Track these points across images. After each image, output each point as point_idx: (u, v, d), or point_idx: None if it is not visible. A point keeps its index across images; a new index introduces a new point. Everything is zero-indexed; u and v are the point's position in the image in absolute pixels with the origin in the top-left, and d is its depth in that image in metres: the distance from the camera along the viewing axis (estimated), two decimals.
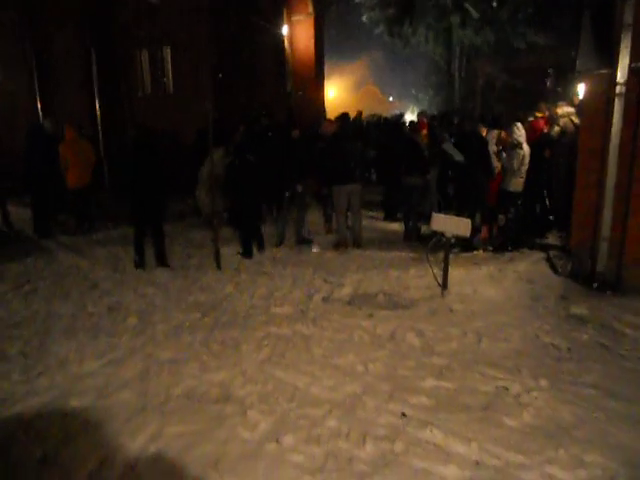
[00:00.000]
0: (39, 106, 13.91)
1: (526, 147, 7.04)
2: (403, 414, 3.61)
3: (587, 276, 6.06)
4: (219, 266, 6.91)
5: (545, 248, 7.31)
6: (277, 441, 3.32)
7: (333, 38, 29.64)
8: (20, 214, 9.89)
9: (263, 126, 9.38)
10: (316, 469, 3.08)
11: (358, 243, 7.99)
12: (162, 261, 7.05)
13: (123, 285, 6.35)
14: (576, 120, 7.29)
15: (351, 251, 7.78)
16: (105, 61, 13.50)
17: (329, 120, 9.17)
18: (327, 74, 30.11)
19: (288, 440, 3.33)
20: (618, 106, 5.67)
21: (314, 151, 8.10)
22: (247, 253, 7.47)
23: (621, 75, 5.61)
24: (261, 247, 7.71)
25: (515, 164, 6.98)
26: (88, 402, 3.77)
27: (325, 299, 5.83)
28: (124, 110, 13.36)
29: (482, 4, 16.93)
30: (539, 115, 8.27)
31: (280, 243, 8.16)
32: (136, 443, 3.31)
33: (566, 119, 7.40)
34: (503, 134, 7.43)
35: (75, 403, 3.75)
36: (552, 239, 7.81)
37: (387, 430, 3.43)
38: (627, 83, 5.58)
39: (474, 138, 7.21)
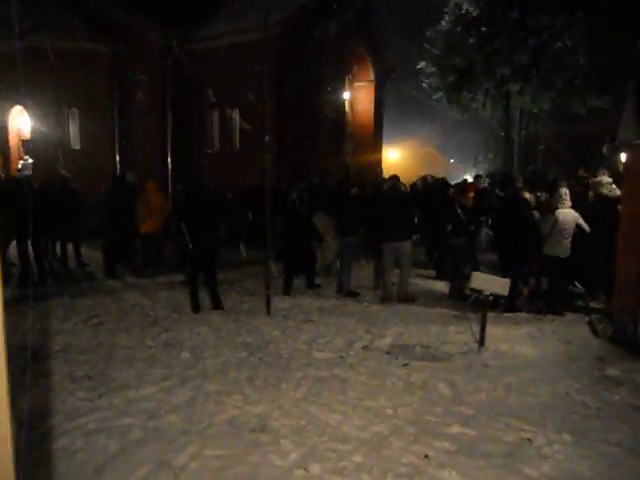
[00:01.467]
0: (117, 159, 15.30)
1: (564, 212, 7.20)
2: (426, 456, 3.82)
3: (627, 340, 6.08)
4: (269, 312, 7.36)
5: (588, 311, 7.34)
6: (305, 469, 3.62)
7: (397, 103, 30.78)
8: (91, 255, 10.81)
9: (313, 185, 10.01)
10: None
11: (404, 298, 8.27)
12: (216, 304, 7.58)
13: (180, 324, 6.91)
14: (607, 189, 7.44)
15: (395, 305, 8.06)
16: (179, 120, 14.76)
17: (392, 177, 9.74)
18: (390, 138, 31.19)
19: (315, 469, 3.62)
20: None
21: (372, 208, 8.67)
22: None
23: None
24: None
25: (546, 228, 7.17)
26: (141, 422, 4.21)
27: (365, 348, 6.13)
28: (193, 165, 14.44)
29: (539, 73, 17.29)
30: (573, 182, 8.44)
31: (338, 291, 8.70)
32: (179, 460, 3.70)
33: (602, 187, 7.57)
34: (542, 198, 7.66)
35: (130, 421, 4.20)
36: (596, 303, 7.82)
37: (408, 469, 3.66)
38: None
39: (515, 202, 7.48)
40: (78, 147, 15.72)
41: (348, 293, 8.59)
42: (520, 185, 8.13)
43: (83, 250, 10.75)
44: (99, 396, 4.68)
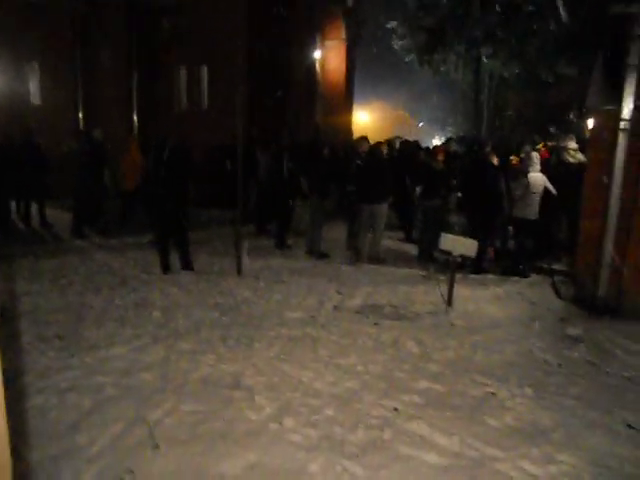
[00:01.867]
0: (80, 116, 14.80)
1: (534, 175, 7.35)
2: (395, 409, 3.97)
3: (588, 300, 6.34)
4: (239, 272, 7.37)
5: (551, 273, 7.59)
6: (279, 423, 3.71)
7: (367, 64, 30.39)
8: (54, 215, 10.56)
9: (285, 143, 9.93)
10: (311, 447, 3.46)
11: (375, 259, 8.39)
12: (186, 265, 7.54)
13: (149, 284, 6.86)
14: (571, 154, 7.62)
15: (366, 266, 8.17)
16: (145, 78, 14.31)
17: (364, 138, 9.69)
18: (361, 100, 30.89)
19: (289, 423, 3.72)
20: (622, 141, 6.00)
21: (351, 168, 8.71)
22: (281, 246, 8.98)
23: (626, 112, 5.94)
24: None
25: (518, 192, 7.31)
26: (114, 380, 4.23)
27: (336, 307, 6.23)
28: (160, 124, 14.08)
29: (511, 37, 17.33)
30: (539, 147, 8.60)
31: (308, 252, 8.78)
32: (154, 415, 3.74)
33: (565, 153, 7.75)
34: (515, 162, 7.80)
35: (103, 379, 4.21)
36: (559, 265, 8.09)
37: (379, 421, 3.79)
38: (631, 119, 5.91)
39: (483, 165, 7.60)
40: (39, 102, 15.14)
41: (319, 255, 8.65)
42: (489, 149, 8.24)
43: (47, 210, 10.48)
44: (71, 355, 4.65)
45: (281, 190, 9.08)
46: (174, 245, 7.60)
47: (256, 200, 10.27)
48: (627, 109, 5.92)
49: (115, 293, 6.47)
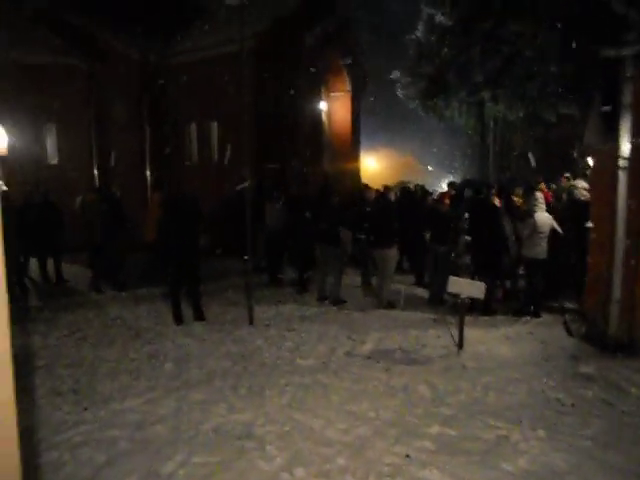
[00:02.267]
0: (96, 173, 15.29)
1: (540, 215, 7.42)
2: (407, 455, 3.95)
3: (600, 338, 6.29)
4: (252, 322, 7.43)
5: (563, 311, 7.56)
6: (290, 473, 3.72)
7: (374, 112, 31.14)
8: (69, 270, 10.77)
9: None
10: None
11: (388, 304, 8.43)
12: (199, 315, 7.64)
13: (163, 336, 6.95)
14: (582, 193, 7.72)
15: (377, 311, 8.20)
16: (157, 134, 14.82)
17: (369, 187, 9.94)
18: (369, 147, 31.48)
19: (300, 473, 3.72)
20: (622, 178, 6.09)
21: (360, 215, 8.92)
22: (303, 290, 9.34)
23: (623, 150, 6.06)
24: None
25: (526, 232, 7.38)
26: (127, 433, 4.27)
27: (347, 354, 6.24)
28: (172, 178, 14.48)
29: (511, 81, 17.71)
30: (540, 187, 8.72)
31: (319, 299, 8.81)
32: (166, 469, 3.77)
33: (576, 190, 7.84)
34: (519, 203, 7.91)
35: (116, 433, 4.25)
36: (571, 303, 8.05)
37: (390, 468, 3.78)
38: (629, 157, 6.02)
39: (485, 207, 7.73)
40: (55, 162, 15.64)
41: (337, 301, 8.69)
42: (494, 191, 8.37)
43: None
44: (84, 409, 4.72)
45: (304, 236, 9.26)
46: (186, 296, 7.71)
47: (265, 249, 10.42)
48: (624, 147, 6.04)
49: (129, 346, 6.56)
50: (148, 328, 7.34)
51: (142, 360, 6.02)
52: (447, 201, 8.85)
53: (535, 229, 7.30)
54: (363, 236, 9.15)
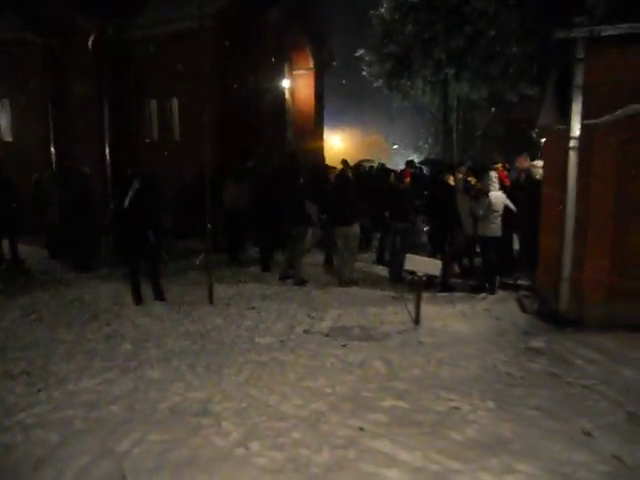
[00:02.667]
0: (53, 150, 14.84)
1: (494, 194, 7.59)
2: (360, 428, 4.05)
3: (551, 314, 6.52)
4: (211, 301, 7.43)
5: (517, 288, 7.80)
6: (245, 447, 3.78)
7: (338, 90, 31.00)
8: (25, 251, 10.54)
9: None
10: (277, 470, 3.52)
11: (351, 282, 8.55)
12: (159, 295, 7.59)
13: (121, 316, 6.89)
14: (539, 173, 7.93)
15: (336, 289, 8.28)
16: (117, 111, 14.46)
17: (330, 167, 9.97)
18: (334, 125, 31.40)
19: (255, 446, 3.78)
20: (573, 158, 6.26)
21: (322, 194, 8.97)
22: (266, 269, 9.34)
23: (574, 130, 6.22)
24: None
25: (481, 211, 7.54)
26: (82, 413, 4.25)
27: (305, 331, 6.32)
28: (132, 156, 14.19)
29: (475, 60, 17.87)
30: (497, 167, 8.93)
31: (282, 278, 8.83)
32: (121, 447, 3.78)
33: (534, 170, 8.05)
34: (474, 182, 8.07)
35: (70, 413, 4.23)
36: (524, 280, 8.30)
37: (344, 441, 3.87)
38: (579, 138, 6.18)
39: (441, 186, 7.89)
40: (10, 139, 15.12)
41: (300, 281, 8.74)
42: (463, 170, 8.54)
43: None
44: (38, 391, 4.67)
45: (271, 216, 9.24)
46: (146, 275, 7.64)
47: (226, 229, 10.34)
48: (575, 128, 6.20)
49: (86, 327, 6.49)
50: (107, 309, 7.26)
51: (99, 341, 5.97)
52: (407, 179, 8.92)
53: (489, 208, 7.46)
54: (324, 215, 9.20)
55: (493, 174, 7.82)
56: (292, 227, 8.72)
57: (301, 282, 8.65)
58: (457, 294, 7.88)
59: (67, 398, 4.53)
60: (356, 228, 8.54)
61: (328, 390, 4.69)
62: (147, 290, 7.64)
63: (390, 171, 11.54)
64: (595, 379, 4.91)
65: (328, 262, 9.84)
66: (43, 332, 6.26)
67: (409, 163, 11.88)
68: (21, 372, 5.07)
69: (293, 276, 8.78)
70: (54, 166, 13.62)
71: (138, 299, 7.45)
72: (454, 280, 8.29)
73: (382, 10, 20.08)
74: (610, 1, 6.34)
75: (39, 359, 5.40)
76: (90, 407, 4.36)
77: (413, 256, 6.55)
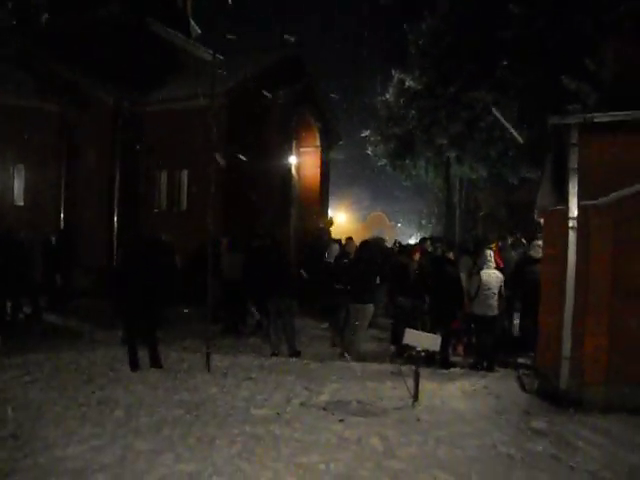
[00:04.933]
0: (62, 216, 15.17)
1: (487, 273, 7.65)
2: None
3: (551, 394, 6.39)
4: (208, 370, 7.33)
5: (517, 367, 7.68)
6: None
7: (343, 167, 31.91)
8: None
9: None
10: None
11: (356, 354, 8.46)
12: (155, 363, 7.50)
13: (115, 382, 6.77)
14: (536, 251, 8.04)
15: (335, 363, 8.18)
16: (127, 180, 14.91)
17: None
18: (338, 202, 32.11)
19: None
20: (572, 238, 6.37)
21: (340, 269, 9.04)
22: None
23: (572, 211, 6.37)
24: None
25: (472, 289, 7.60)
26: None
27: (302, 404, 6.18)
28: (140, 225, 14.48)
29: (475, 143, 18.52)
30: (492, 246, 9.09)
31: (274, 354, 8.65)
32: None
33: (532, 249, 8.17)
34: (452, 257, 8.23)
35: None
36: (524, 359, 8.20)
37: None
38: (577, 218, 6.32)
39: (442, 263, 7.99)
40: (21, 203, 15.48)
41: (295, 353, 8.66)
42: (445, 247, 8.66)
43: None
44: (24, 456, 4.52)
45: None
46: (143, 342, 7.59)
47: (223, 299, 10.35)
48: (573, 208, 6.35)
49: (79, 391, 6.36)
50: (101, 374, 7.15)
51: (91, 406, 5.83)
52: (417, 256, 9.01)
53: (482, 286, 7.52)
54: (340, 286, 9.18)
55: (489, 252, 7.92)
56: (282, 299, 8.71)
57: (295, 353, 8.56)
58: (457, 371, 7.77)
59: (53, 464, 4.38)
60: (372, 306, 8.54)
61: (322, 467, 4.53)
62: (143, 358, 7.54)
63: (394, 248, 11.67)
64: (599, 464, 4.75)
65: (336, 335, 9.65)
66: (35, 394, 6.13)
67: (423, 240, 12.02)
68: (8, 435, 4.94)
69: (288, 348, 8.70)
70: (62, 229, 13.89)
71: (135, 365, 7.36)
72: (456, 358, 8.20)
73: (387, 95, 21.12)
74: (600, 92, 6.72)
75: (28, 422, 5.26)
76: (76, 475, 4.21)
77: (412, 330, 6.52)
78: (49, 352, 8.15)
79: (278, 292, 8.65)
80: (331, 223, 14.78)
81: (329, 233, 13.59)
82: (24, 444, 4.75)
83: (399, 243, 14.81)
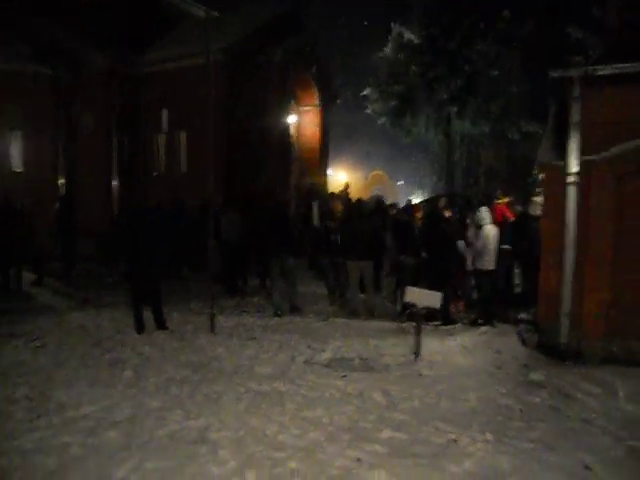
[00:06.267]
0: (60, 182, 15.14)
1: (490, 228, 7.70)
2: (358, 459, 4.04)
3: (551, 348, 6.51)
4: (213, 330, 7.46)
5: (518, 322, 7.80)
6: (241, 476, 3.77)
7: (344, 126, 31.55)
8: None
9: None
10: None
11: (372, 312, 8.62)
12: (161, 325, 7.63)
13: (123, 344, 6.92)
14: (533, 209, 8.06)
15: (337, 320, 8.31)
16: (125, 143, 14.80)
17: (334, 196, 10.09)
18: (339, 160, 31.83)
19: (251, 476, 3.77)
20: (571, 194, 6.37)
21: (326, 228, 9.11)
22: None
23: (572, 166, 6.34)
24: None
25: (479, 244, 7.64)
26: (80, 439, 4.26)
27: (306, 362, 6.32)
28: (139, 188, 14.47)
29: (476, 98, 18.26)
30: (499, 201, 9.10)
31: (277, 314, 8.76)
32: (118, 474, 3.78)
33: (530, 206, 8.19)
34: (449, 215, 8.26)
35: (68, 439, 4.24)
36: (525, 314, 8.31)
37: (340, 471, 3.86)
38: (578, 173, 6.30)
39: (437, 221, 8.05)
40: (20, 169, 15.44)
41: (294, 308, 8.84)
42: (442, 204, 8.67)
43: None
44: (37, 416, 4.67)
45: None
46: (148, 305, 7.70)
47: (222, 261, 10.42)
48: (573, 164, 6.32)
49: (88, 354, 6.51)
50: (109, 337, 7.30)
51: (100, 368, 5.99)
52: (419, 215, 9.07)
53: (485, 240, 7.58)
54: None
55: (484, 209, 7.97)
56: (285, 259, 8.80)
57: (296, 309, 8.77)
58: (459, 327, 7.90)
59: (66, 424, 4.53)
60: (371, 262, 8.64)
61: (326, 420, 4.68)
62: (149, 320, 7.67)
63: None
64: (595, 413, 4.89)
65: (332, 293, 9.82)
66: (45, 358, 6.29)
67: (435, 198, 11.94)
68: (22, 397, 5.09)
69: (290, 306, 8.87)
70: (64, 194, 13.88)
71: (141, 328, 7.49)
72: (457, 314, 8.32)
73: (387, 51, 20.66)
74: (605, 42, 6.57)
75: (40, 385, 5.42)
76: (89, 433, 4.37)
77: (413, 288, 6.60)
78: (56, 318, 8.30)
79: (281, 251, 8.70)
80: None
81: (318, 192, 13.43)
82: (38, 405, 4.91)
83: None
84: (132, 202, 10.06)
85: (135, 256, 7.42)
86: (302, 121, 17.00)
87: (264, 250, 9.44)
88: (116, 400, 5.06)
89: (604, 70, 6.09)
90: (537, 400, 5.19)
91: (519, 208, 10.12)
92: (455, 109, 19.16)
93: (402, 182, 43.21)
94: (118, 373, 5.82)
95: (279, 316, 8.66)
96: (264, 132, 14.74)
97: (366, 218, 9.00)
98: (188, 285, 10.82)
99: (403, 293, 8.64)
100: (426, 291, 6.53)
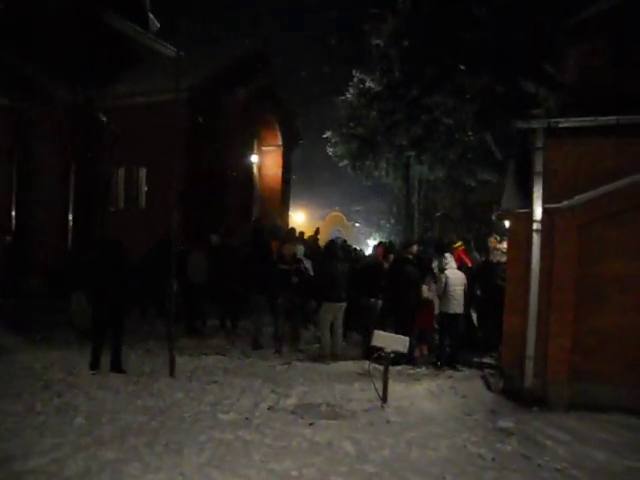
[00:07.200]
0: (14, 214, 14.48)
1: (452, 272, 7.83)
2: None
3: (516, 393, 6.51)
4: (172, 373, 7.12)
5: (481, 366, 7.81)
6: None
7: (303, 167, 31.83)
8: None
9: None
10: None
11: (336, 355, 8.54)
12: (116, 366, 7.24)
13: (75, 387, 6.49)
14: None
15: (300, 364, 8.12)
16: (83, 177, 14.40)
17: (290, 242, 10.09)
18: (296, 200, 31.98)
19: None
20: (536, 240, 6.51)
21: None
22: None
23: (537, 214, 6.51)
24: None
25: (440, 288, 7.79)
26: None
27: (270, 408, 6.08)
28: (96, 223, 14.04)
29: (434, 144, 18.77)
30: (455, 245, 9.36)
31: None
32: None
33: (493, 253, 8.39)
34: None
35: None
36: (489, 358, 8.35)
37: None
38: (541, 221, 6.46)
39: (402, 263, 8.13)
40: None
41: (257, 346, 8.85)
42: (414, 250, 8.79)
43: None
44: None
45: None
46: (108, 340, 7.32)
47: (184, 299, 10.13)
48: (537, 211, 6.49)
49: (36, 398, 6.05)
50: (59, 379, 6.84)
51: (50, 414, 5.56)
52: (388, 257, 9.15)
53: (447, 285, 7.69)
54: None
55: (447, 255, 8.15)
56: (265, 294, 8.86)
57: (257, 347, 8.80)
58: (423, 371, 7.84)
59: (12, 479, 4.15)
60: (345, 304, 8.64)
61: (295, 473, 4.45)
62: (103, 361, 7.28)
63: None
64: (566, 462, 4.86)
65: (294, 334, 9.60)
66: None
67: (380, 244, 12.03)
68: None
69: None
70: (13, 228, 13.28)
71: (96, 363, 7.13)
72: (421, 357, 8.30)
73: (348, 95, 21.12)
74: (564, 97, 6.88)
75: None
76: None
77: (380, 332, 6.53)
78: (1, 357, 7.76)
79: (279, 289, 8.80)
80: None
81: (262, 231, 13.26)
82: None
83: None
84: (93, 240, 9.70)
85: (103, 287, 7.12)
86: (265, 161, 17.04)
87: (234, 290, 9.42)
88: (67, 451, 4.67)
89: (565, 123, 6.35)
90: (508, 448, 5.13)
91: (476, 255, 10.39)
92: (414, 154, 19.61)
93: (359, 224, 43.74)
94: (69, 420, 5.41)
95: (260, 349, 8.89)
96: (226, 170, 14.65)
97: (341, 260, 8.98)
98: (145, 323, 10.42)
99: (370, 336, 8.64)
100: (394, 335, 6.47)
